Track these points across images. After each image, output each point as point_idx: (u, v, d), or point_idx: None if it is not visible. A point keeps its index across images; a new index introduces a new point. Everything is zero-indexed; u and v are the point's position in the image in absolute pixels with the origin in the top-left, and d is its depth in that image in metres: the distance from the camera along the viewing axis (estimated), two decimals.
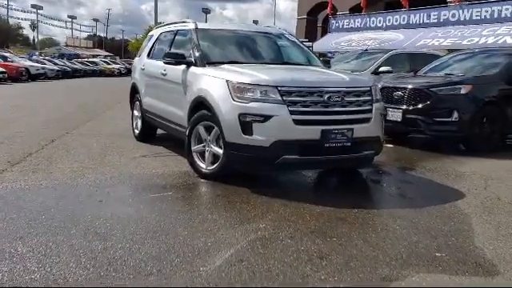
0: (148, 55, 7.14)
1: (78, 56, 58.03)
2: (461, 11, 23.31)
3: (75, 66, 38.03)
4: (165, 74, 6.01)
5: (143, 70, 7.01)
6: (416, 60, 10.40)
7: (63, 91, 20.22)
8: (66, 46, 73.49)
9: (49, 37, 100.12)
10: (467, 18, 22.89)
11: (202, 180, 4.94)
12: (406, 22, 25.70)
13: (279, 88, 4.39)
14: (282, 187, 4.98)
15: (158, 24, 35.30)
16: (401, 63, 10.13)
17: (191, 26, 5.93)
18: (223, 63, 5.28)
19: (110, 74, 41.99)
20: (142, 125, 7.17)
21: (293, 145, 4.37)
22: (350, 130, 4.49)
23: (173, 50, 5.94)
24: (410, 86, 7.33)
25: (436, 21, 24.25)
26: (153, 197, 4.30)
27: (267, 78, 4.53)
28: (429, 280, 2.78)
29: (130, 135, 7.75)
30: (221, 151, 4.74)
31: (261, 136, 4.35)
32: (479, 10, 22.37)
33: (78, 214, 3.76)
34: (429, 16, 24.65)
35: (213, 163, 4.91)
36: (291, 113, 4.33)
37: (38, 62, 32.33)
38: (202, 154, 5.05)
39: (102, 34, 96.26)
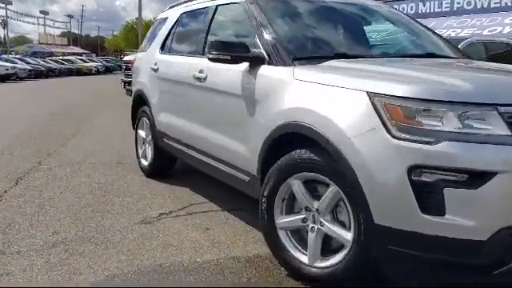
0: (162, 48, 4.67)
1: (51, 54, 54.66)
2: None
3: (49, 65, 35.01)
4: (203, 79, 3.58)
5: (156, 71, 4.54)
6: (493, 50, 8.20)
7: (36, 94, 17.45)
8: (39, 43, 69.68)
9: (20, 34, 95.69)
10: (485, 6, 20.83)
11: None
12: (414, 11, 23.50)
13: (502, 109, 2.00)
14: None
15: (141, 18, 32.47)
16: (477, 54, 7.86)
17: None
18: (324, 58, 2.88)
19: (88, 72, 38.99)
20: (154, 153, 4.72)
21: None
22: None
23: (222, 38, 3.46)
24: None
25: (448, 9, 22.07)
26: None
27: (468, 86, 2.15)
28: None
29: (131, 164, 5.35)
30: (347, 235, 2.37)
31: (465, 218, 1.97)
32: None
33: None
34: (440, 4, 22.47)
35: (324, 254, 2.50)
36: None
37: (7, 61, 29.27)
38: (297, 234, 2.65)
39: (75, 31, 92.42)
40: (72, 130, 8.17)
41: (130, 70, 12.33)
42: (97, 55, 68.86)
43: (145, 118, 4.90)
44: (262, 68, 2.96)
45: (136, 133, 5.22)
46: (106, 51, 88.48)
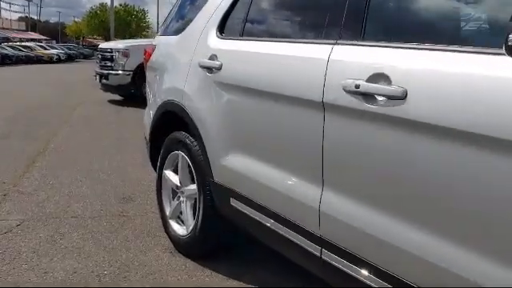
0: (221, 29, 2.49)
1: (7, 39, 50.52)
2: None
3: (5, 51, 31.68)
4: (389, 99, 1.46)
5: (214, 71, 2.38)
6: None
7: None
8: None
9: None
10: None
11: None
12: None
13: None
14: None
15: (113, 2, 29.28)
16: None
17: None
18: None
19: (49, 60, 35.77)
20: (203, 220, 2.55)
21: None
22: None
23: None
24: None
25: None
26: None
27: None
28: None
29: (143, 216, 3.25)
30: None
31: None
32: None
33: None
34: None
35: None
36: None
37: None
38: None
39: (34, 17, 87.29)
40: (36, 144, 5.86)
41: (107, 60, 10.03)
42: (57, 42, 64.96)
43: (181, 153, 2.74)
44: None
45: (160, 175, 3.03)
46: (67, 38, 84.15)
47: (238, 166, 2.24)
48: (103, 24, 57.65)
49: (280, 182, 1.96)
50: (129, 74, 9.75)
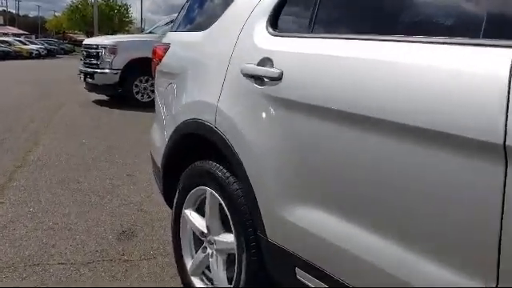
0: (274, 21, 1.78)
1: None
2: None
3: None
4: None
5: (271, 83, 1.66)
6: None
7: None
8: None
9: None
10: None
11: None
12: None
13: None
14: None
15: None
16: None
17: None
18: None
19: (28, 56, 34.51)
20: (248, 286, 1.81)
21: None
22: None
23: None
24: None
25: None
26: None
27: None
28: None
29: (151, 260, 2.53)
30: None
31: None
32: None
33: None
34: None
35: None
36: None
37: None
38: None
39: (12, 11, 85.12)
40: (14, 155, 5.06)
41: (92, 57, 9.20)
42: (37, 37, 63.31)
43: (209, 190, 2.00)
44: None
45: (177, 214, 2.28)
46: (47, 33, 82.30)
47: (310, 223, 1.51)
48: (84, 19, 56.14)
49: (404, 262, 1.24)
50: (116, 73, 8.94)
